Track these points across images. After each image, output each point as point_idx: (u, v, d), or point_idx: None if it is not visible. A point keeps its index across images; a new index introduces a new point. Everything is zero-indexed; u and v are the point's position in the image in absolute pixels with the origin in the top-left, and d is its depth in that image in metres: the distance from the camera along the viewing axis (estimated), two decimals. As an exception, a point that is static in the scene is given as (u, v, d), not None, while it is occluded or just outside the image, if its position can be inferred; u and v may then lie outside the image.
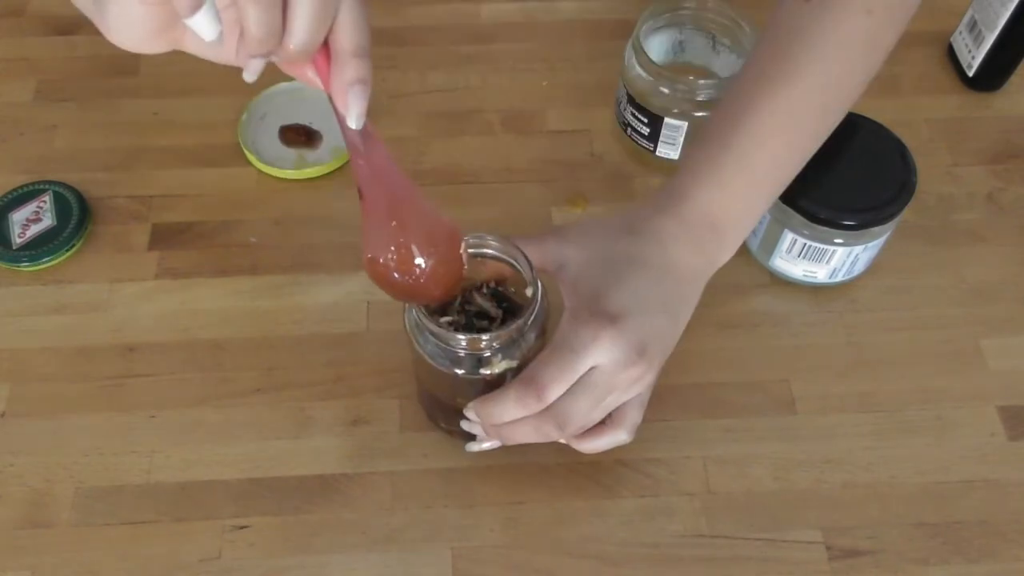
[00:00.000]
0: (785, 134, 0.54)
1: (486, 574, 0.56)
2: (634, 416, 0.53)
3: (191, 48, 0.42)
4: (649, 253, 0.52)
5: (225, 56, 0.41)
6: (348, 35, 0.40)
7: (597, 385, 0.49)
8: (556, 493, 0.58)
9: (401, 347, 0.56)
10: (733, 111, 0.54)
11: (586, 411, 0.50)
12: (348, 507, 0.58)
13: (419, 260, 0.46)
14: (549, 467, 0.59)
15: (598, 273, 0.51)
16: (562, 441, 0.53)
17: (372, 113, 0.76)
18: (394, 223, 0.46)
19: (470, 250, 0.52)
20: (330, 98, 0.42)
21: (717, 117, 0.56)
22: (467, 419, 0.55)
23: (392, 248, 0.46)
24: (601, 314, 0.49)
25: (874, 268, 0.67)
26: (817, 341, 0.65)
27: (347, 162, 0.73)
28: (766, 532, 0.57)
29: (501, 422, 0.51)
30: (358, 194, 0.45)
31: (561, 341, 0.49)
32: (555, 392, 0.49)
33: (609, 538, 0.57)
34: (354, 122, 0.42)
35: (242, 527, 0.57)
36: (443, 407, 0.57)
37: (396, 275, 0.47)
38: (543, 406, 0.49)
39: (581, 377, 0.49)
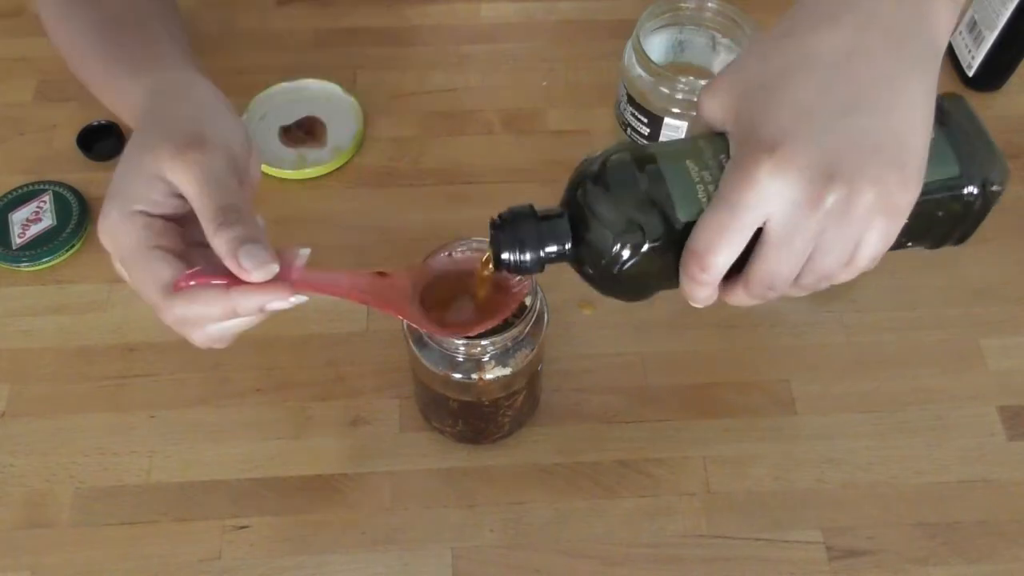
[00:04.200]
0: None
1: (486, 574, 0.56)
2: (868, 251, 0.42)
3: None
4: (812, 46, 0.39)
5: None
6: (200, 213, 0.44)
7: (781, 239, 0.38)
8: (556, 493, 0.58)
9: (401, 347, 0.56)
10: None
11: (787, 273, 0.39)
12: (348, 507, 0.58)
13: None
14: (549, 467, 0.59)
15: (752, 102, 0.39)
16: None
17: (372, 113, 0.76)
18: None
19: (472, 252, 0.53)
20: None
21: None
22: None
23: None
24: (755, 147, 0.38)
25: (874, 268, 0.67)
26: (817, 341, 0.65)
27: (347, 162, 0.73)
28: (766, 532, 0.57)
29: (691, 298, 0.42)
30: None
31: (716, 196, 0.39)
32: (721, 259, 0.39)
33: (609, 538, 0.57)
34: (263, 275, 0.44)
35: (242, 527, 0.57)
36: (436, 407, 0.57)
37: None
38: (713, 277, 0.40)
39: (761, 234, 0.39)
